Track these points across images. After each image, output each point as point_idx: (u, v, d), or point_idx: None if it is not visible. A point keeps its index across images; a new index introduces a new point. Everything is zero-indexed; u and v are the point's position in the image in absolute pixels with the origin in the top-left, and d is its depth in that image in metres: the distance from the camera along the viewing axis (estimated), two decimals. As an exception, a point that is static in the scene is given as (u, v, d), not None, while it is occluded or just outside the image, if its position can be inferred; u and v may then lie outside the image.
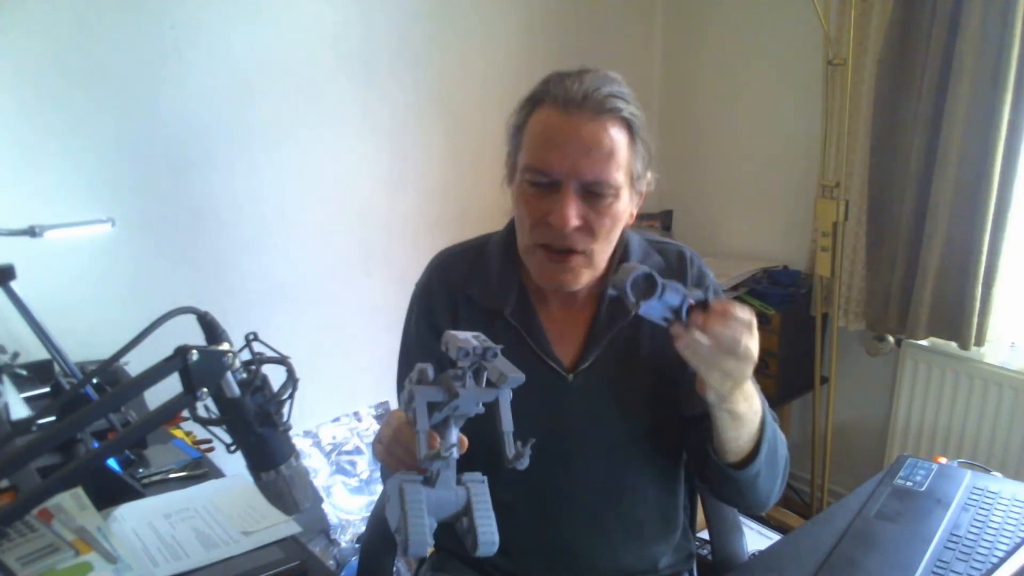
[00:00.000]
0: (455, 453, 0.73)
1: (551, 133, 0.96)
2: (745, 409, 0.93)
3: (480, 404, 0.75)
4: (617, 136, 0.96)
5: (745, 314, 0.84)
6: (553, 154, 0.95)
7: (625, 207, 1.01)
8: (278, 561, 1.05)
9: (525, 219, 1.01)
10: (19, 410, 1.34)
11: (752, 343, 0.85)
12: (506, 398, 0.75)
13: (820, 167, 2.34)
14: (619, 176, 0.97)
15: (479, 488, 0.75)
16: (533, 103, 1.00)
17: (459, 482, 0.75)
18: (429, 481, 0.73)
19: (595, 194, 0.97)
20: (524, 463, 0.74)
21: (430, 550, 0.71)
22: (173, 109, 1.87)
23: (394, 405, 2.37)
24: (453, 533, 0.77)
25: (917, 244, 2.09)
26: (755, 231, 2.72)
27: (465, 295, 1.11)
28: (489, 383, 0.75)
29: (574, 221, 0.95)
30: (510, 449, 0.75)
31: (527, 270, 1.09)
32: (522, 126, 1.01)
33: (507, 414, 0.75)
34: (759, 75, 2.57)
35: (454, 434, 0.77)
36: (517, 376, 0.74)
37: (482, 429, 0.76)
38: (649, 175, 1.04)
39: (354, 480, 2.29)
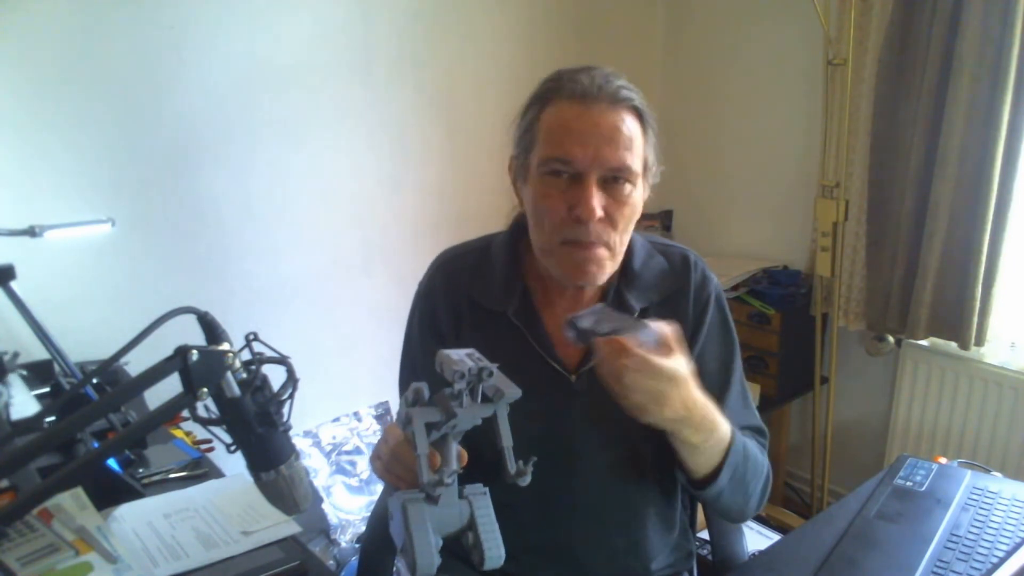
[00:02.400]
0: (456, 476, 0.74)
1: (570, 124, 0.96)
2: (698, 441, 0.93)
3: (478, 418, 0.75)
4: (632, 125, 0.97)
5: (624, 356, 0.84)
6: (574, 144, 0.95)
7: (640, 197, 1.02)
8: (278, 561, 1.05)
9: (546, 216, 0.99)
10: (29, 407, 1.34)
11: (635, 378, 0.84)
12: (504, 413, 0.75)
13: (820, 167, 2.34)
14: (637, 164, 0.98)
15: (481, 501, 0.75)
16: (543, 101, 1.00)
17: (461, 495, 0.75)
18: (432, 498, 0.73)
19: (615, 183, 0.97)
20: (526, 480, 0.74)
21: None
22: (173, 109, 1.87)
23: (394, 405, 2.37)
24: (455, 540, 0.77)
25: (917, 244, 2.09)
26: (755, 231, 2.72)
27: (469, 297, 1.11)
28: (485, 398, 0.75)
29: (599, 211, 0.96)
30: (511, 465, 0.75)
31: (531, 271, 1.09)
32: (532, 125, 1.01)
33: (506, 429, 0.75)
34: (759, 75, 2.57)
35: (454, 451, 0.77)
36: (514, 392, 0.73)
37: (483, 435, 0.76)
38: (657, 167, 1.04)
39: (354, 480, 2.29)
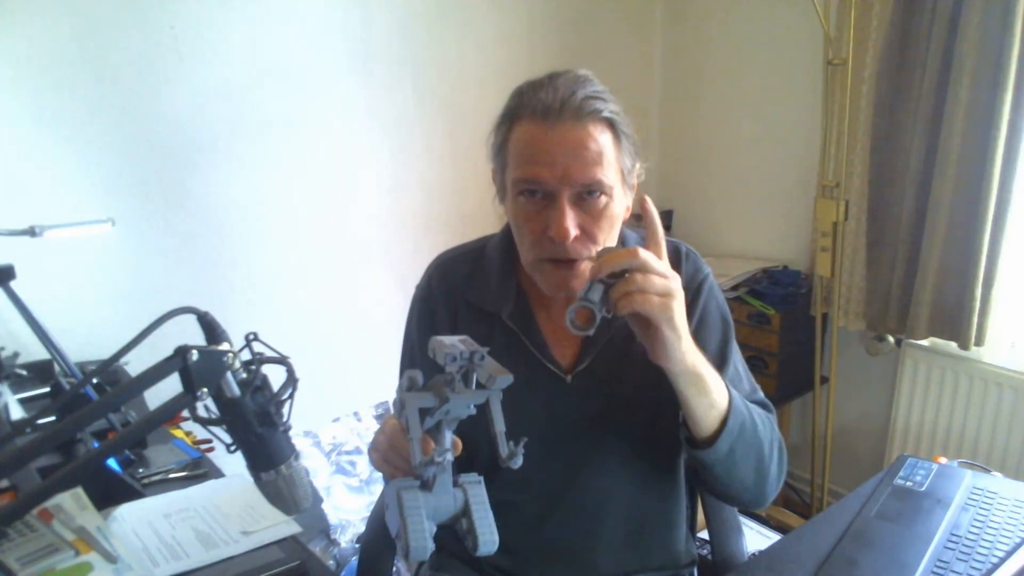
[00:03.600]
0: (449, 457, 0.74)
1: (536, 146, 0.95)
2: (704, 372, 0.93)
3: (471, 406, 0.75)
4: (602, 137, 0.95)
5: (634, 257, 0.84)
6: (541, 166, 0.94)
7: (620, 205, 1.00)
8: (278, 561, 1.05)
9: (525, 236, 1.00)
10: (13, 412, 1.34)
11: (647, 279, 0.85)
12: (496, 399, 0.75)
13: (820, 167, 2.34)
14: (610, 176, 0.96)
15: (476, 489, 0.76)
16: (511, 119, 0.99)
17: (456, 484, 0.76)
18: (426, 486, 0.73)
19: (589, 199, 0.96)
20: (518, 462, 0.74)
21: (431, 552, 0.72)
22: (173, 109, 1.87)
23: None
24: (454, 534, 0.77)
25: (917, 244, 2.09)
26: (755, 231, 2.72)
27: (465, 299, 1.12)
28: (479, 384, 0.75)
29: (573, 231, 0.95)
30: (503, 448, 0.75)
31: (525, 273, 1.09)
32: (504, 144, 1.01)
33: (498, 415, 0.75)
34: (759, 75, 2.57)
35: (447, 438, 0.77)
36: (506, 376, 0.74)
37: (481, 431, 0.76)
38: (638, 166, 1.03)
39: (354, 480, 2.29)
